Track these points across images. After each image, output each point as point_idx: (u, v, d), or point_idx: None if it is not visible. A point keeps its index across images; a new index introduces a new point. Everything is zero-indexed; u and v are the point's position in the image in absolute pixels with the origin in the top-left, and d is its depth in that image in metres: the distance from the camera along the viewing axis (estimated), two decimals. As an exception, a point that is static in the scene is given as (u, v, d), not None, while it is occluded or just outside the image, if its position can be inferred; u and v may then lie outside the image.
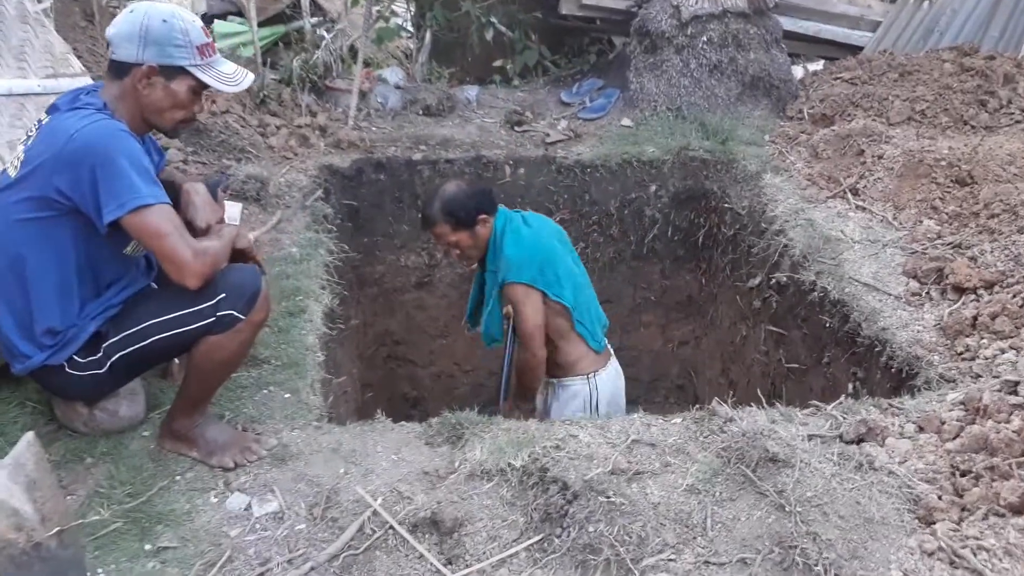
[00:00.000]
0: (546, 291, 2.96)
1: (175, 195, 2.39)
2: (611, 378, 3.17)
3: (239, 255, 2.41)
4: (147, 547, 2.11)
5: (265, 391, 2.70)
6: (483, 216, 2.95)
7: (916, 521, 1.99)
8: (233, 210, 3.73)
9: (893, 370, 3.00)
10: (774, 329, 3.86)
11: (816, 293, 3.46)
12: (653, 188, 4.47)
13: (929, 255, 3.45)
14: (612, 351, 3.28)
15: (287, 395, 2.69)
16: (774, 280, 3.80)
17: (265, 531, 2.15)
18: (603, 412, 3.14)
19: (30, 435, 1.96)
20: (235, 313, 2.19)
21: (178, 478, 2.33)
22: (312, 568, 2.02)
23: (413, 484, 2.27)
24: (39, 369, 2.22)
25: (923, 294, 3.25)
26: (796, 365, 3.69)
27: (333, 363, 3.33)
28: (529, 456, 2.27)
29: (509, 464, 2.26)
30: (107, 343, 2.21)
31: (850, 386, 3.31)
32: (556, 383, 3.16)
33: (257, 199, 3.86)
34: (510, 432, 2.44)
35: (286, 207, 3.86)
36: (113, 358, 2.22)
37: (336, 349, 3.42)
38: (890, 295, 3.29)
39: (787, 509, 2.04)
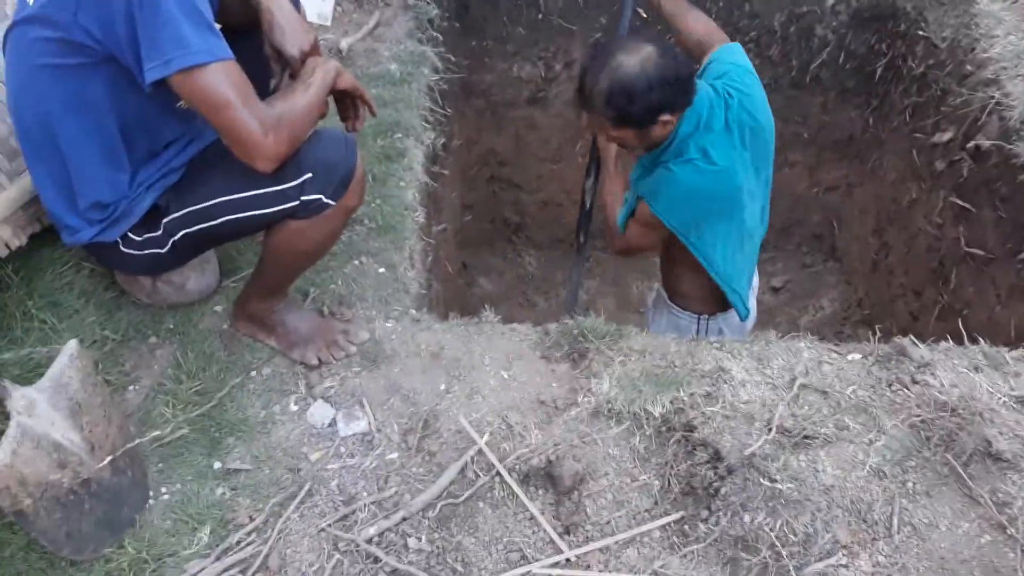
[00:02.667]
0: (687, 244, 2.23)
1: (251, 12, 1.85)
2: (729, 326, 2.53)
3: (339, 96, 1.88)
4: (216, 465, 1.82)
5: (356, 262, 2.28)
6: (666, 118, 2.04)
7: None
8: (324, 7, 3.15)
9: None
10: (958, 201, 3.18)
11: (1033, 173, 2.75)
12: (831, 1, 3.61)
13: None
14: (755, 297, 2.61)
15: (381, 270, 2.27)
16: (973, 143, 3.06)
17: (352, 458, 1.83)
18: None
19: (73, 345, 1.61)
20: (323, 198, 1.72)
21: (253, 374, 2.00)
22: (404, 519, 1.70)
23: (526, 415, 1.88)
24: (90, 244, 1.83)
25: None
26: (979, 252, 3.06)
27: (434, 212, 2.87)
28: (672, 404, 1.83)
29: (645, 410, 1.83)
30: (168, 219, 1.78)
31: (1054, 296, 2.70)
32: (666, 300, 2.57)
33: (352, -8, 3.23)
34: (646, 358, 1.99)
35: (386, 5, 3.22)
36: (175, 236, 1.81)
37: (439, 192, 2.94)
38: None
39: (1009, 532, 1.58)
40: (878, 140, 3.89)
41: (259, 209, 1.72)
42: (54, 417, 1.53)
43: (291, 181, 1.68)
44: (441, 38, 3.18)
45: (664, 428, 1.81)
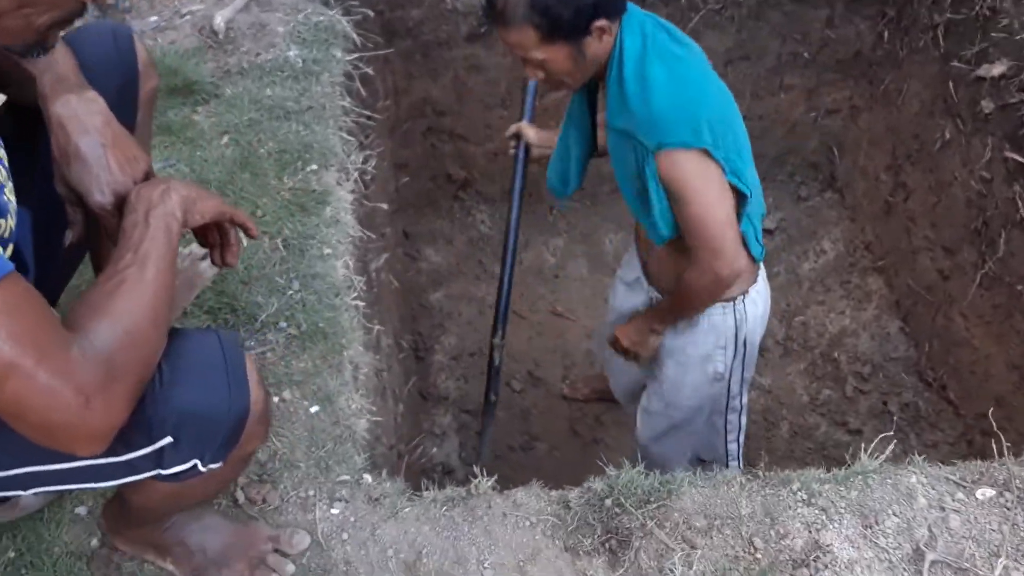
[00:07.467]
0: (723, 165, 1.63)
1: (32, 122, 1.11)
2: (762, 296, 1.96)
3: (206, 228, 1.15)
4: None
5: (276, 399, 1.59)
6: (601, 23, 1.51)
7: None
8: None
9: None
10: (1016, 157, 2.59)
11: None
12: None
13: None
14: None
15: (314, 408, 1.59)
16: (1043, 88, 2.44)
17: None
18: (749, 351, 2.00)
19: None
20: (199, 465, 1.03)
21: (146, 629, 1.35)
22: None
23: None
24: None
25: None
26: (1044, 221, 2.50)
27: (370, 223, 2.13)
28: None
29: (738, 661, 1.26)
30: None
31: None
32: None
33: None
34: (712, 538, 1.41)
35: (270, -49, 2.33)
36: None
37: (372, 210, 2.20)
38: None
39: None
40: (894, 59, 3.22)
41: (92, 481, 1.03)
42: None
43: (137, 450, 0.98)
44: (354, -7, 2.35)
45: None
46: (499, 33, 1.56)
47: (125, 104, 1.27)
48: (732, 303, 1.91)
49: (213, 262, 1.20)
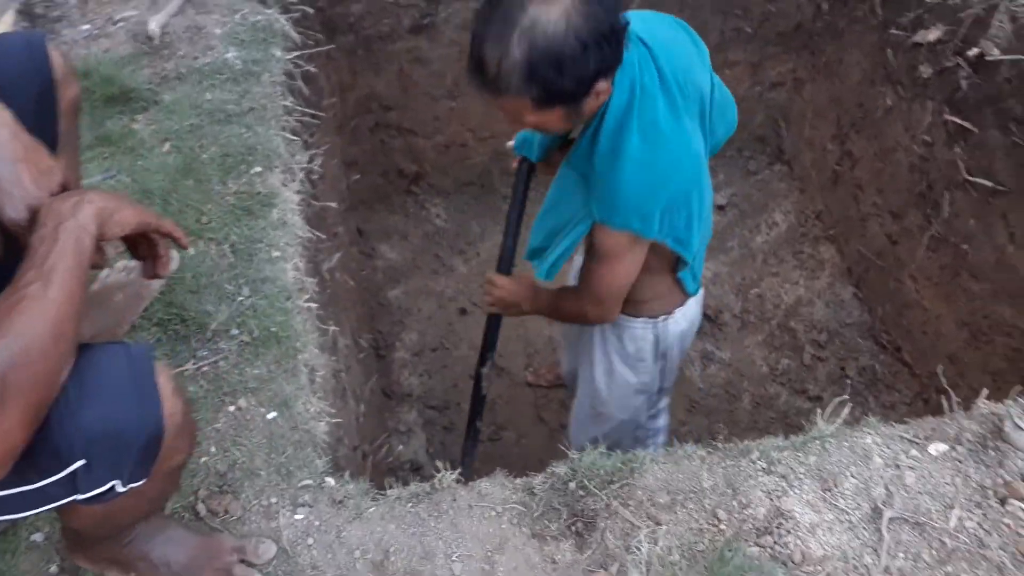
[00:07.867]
0: (666, 241, 1.64)
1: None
2: (687, 317, 2.01)
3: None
4: None
5: (232, 408, 1.57)
6: (602, 85, 1.41)
7: None
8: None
9: None
10: (955, 119, 2.64)
11: (1065, 96, 2.21)
12: None
13: None
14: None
15: (271, 415, 1.57)
16: (976, 51, 2.48)
17: None
18: (670, 362, 2.08)
19: None
20: (118, 485, 1.01)
21: (112, 648, 1.33)
22: None
23: (533, 654, 1.31)
24: None
25: None
26: (985, 182, 2.55)
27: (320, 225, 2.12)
28: (741, 613, 1.29)
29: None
30: None
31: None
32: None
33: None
34: (676, 512, 1.42)
35: (201, -49, 2.28)
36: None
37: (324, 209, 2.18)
38: None
39: None
40: (834, 30, 3.26)
41: (9, 513, 1.01)
42: None
43: (50, 476, 0.95)
44: (289, -9, 2.31)
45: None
46: (490, 99, 1.43)
47: (44, 114, 1.24)
48: (654, 321, 1.98)
49: (144, 275, 1.18)
